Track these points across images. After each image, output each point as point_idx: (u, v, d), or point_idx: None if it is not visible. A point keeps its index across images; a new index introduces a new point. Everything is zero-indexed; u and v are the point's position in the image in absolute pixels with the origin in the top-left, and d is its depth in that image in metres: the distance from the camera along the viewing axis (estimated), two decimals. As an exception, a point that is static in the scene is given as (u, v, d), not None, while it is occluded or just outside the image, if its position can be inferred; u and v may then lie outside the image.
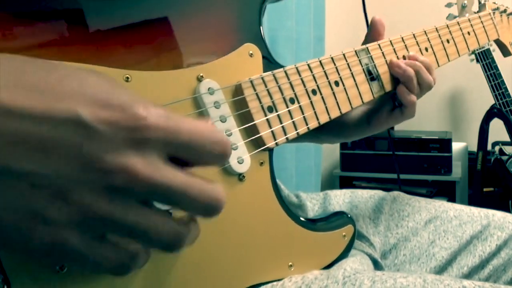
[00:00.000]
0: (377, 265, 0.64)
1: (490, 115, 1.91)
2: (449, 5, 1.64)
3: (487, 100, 1.97)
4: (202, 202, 0.32)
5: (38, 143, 0.28)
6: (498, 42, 0.87)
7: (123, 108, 0.29)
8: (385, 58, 0.62)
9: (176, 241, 0.32)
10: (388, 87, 0.62)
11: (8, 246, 0.31)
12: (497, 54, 1.90)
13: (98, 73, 0.32)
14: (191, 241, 0.34)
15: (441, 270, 0.65)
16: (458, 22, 0.73)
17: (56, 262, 0.35)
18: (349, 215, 0.57)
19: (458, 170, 2.16)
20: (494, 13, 0.84)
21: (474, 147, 2.02)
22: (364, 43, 0.65)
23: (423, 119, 2.51)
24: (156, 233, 0.31)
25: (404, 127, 2.28)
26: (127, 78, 0.42)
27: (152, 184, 0.30)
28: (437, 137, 2.15)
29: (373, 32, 0.66)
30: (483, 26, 0.79)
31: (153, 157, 0.30)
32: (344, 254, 0.56)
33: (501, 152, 2.09)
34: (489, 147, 2.08)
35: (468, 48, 0.74)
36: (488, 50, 1.91)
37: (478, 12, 0.84)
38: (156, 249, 0.33)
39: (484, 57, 1.93)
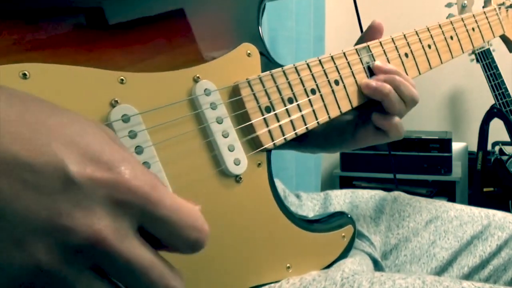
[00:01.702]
0: (377, 265, 0.64)
1: (490, 115, 1.91)
2: (449, 5, 1.64)
3: (487, 100, 1.97)
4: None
5: (13, 185, 0.26)
6: (504, 38, 0.86)
7: (110, 166, 0.28)
8: (386, 56, 0.61)
9: None
10: None
11: None
12: (497, 54, 1.91)
13: (99, 126, 0.31)
14: None
15: (441, 270, 0.65)
16: (462, 18, 0.72)
17: None
18: (349, 215, 0.57)
19: (458, 170, 2.16)
20: (499, 8, 0.83)
21: (474, 147, 2.02)
22: (357, 44, 0.62)
23: (423, 119, 2.51)
24: None
25: (404, 127, 2.27)
26: (122, 80, 0.42)
27: (115, 254, 0.28)
28: (437, 137, 2.15)
29: (368, 35, 0.63)
30: (488, 22, 0.78)
31: (125, 224, 0.28)
32: (343, 255, 0.55)
33: (501, 152, 2.09)
34: (489, 147, 2.07)
35: (473, 44, 0.73)
36: (488, 50, 1.91)
37: (483, 7, 0.83)
38: None
39: (484, 57, 1.93)
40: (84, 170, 0.27)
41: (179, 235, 0.30)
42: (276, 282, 0.50)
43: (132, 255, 0.28)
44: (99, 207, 0.28)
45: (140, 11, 0.44)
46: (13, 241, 0.27)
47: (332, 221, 0.55)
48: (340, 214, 0.57)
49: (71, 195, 0.27)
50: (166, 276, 0.30)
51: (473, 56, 1.98)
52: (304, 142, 0.69)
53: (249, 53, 0.50)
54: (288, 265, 0.50)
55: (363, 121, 0.62)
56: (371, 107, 0.60)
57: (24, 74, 0.37)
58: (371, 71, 0.60)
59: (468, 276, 0.65)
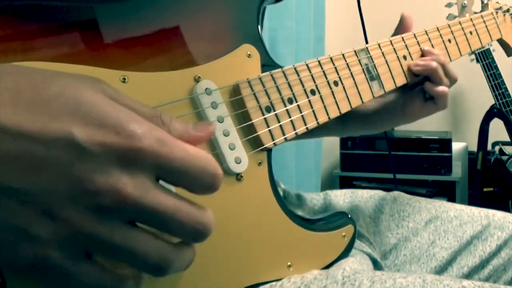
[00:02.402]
0: (377, 265, 0.64)
1: (490, 115, 1.91)
2: (449, 5, 1.64)
3: (487, 100, 1.97)
4: (190, 226, 0.31)
5: (29, 162, 0.28)
6: (501, 42, 0.87)
7: (118, 129, 0.29)
8: (385, 58, 0.62)
9: (163, 264, 0.32)
10: (388, 86, 0.62)
11: None
12: (497, 54, 1.91)
13: (95, 87, 0.31)
14: (183, 266, 0.33)
15: (441, 270, 0.65)
16: (460, 22, 0.73)
17: (41, 280, 0.34)
18: (349, 215, 0.57)
19: (458, 170, 2.16)
20: (497, 12, 0.83)
21: (474, 147, 2.02)
22: (393, 35, 0.68)
23: (423, 119, 2.50)
24: (143, 254, 0.31)
25: (404, 127, 2.26)
26: (124, 79, 0.42)
27: (141, 206, 0.30)
28: (437, 137, 2.15)
29: (401, 28, 0.69)
30: (486, 26, 0.78)
31: (143, 179, 0.30)
32: (344, 255, 0.55)
33: (501, 152, 2.09)
34: (489, 147, 2.07)
35: (470, 48, 0.74)
36: (488, 50, 1.91)
37: (480, 11, 0.84)
38: (144, 272, 0.32)
39: (484, 57, 1.93)
40: (93, 137, 0.29)
41: (194, 180, 0.32)
42: (277, 280, 0.50)
43: (157, 203, 0.30)
44: (115, 169, 0.29)
45: (143, 12, 0.45)
46: (43, 211, 0.28)
47: (332, 220, 0.56)
48: (341, 214, 0.57)
49: (87, 163, 0.28)
50: (194, 214, 0.31)
51: (473, 56, 1.98)
52: (348, 123, 0.73)
53: (249, 54, 0.51)
54: (289, 263, 0.51)
55: (410, 96, 0.68)
56: (415, 85, 0.67)
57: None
58: (370, 73, 0.60)
59: (468, 276, 0.65)
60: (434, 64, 0.64)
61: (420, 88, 0.68)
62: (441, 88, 0.66)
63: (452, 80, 0.67)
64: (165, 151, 0.30)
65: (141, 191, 0.29)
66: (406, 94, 0.69)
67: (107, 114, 0.30)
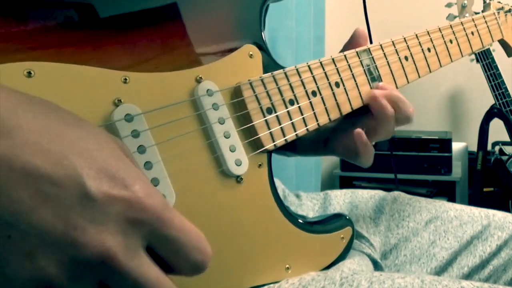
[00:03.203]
0: (377, 266, 0.64)
1: (490, 115, 1.91)
2: (449, 5, 1.64)
3: (487, 100, 1.97)
4: None
5: (30, 196, 0.27)
6: (502, 42, 0.86)
7: (126, 184, 0.29)
8: (387, 59, 0.62)
9: None
10: None
11: None
12: (497, 54, 1.91)
13: (115, 141, 0.32)
14: None
15: (441, 270, 0.65)
16: (461, 22, 0.72)
17: None
18: (347, 217, 0.57)
19: (458, 170, 2.16)
20: (498, 12, 0.83)
21: (474, 147, 2.02)
22: (341, 51, 0.61)
23: (423, 119, 2.51)
24: None
25: (404, 127, 2.27)
26: (125, 79, 0.42)
27: (124, 271, 0.28)
28: (437, 137, 2.15)
29: (352, 44, 0.61)
30: (487, 26, 0.78)
31: (134, 242, 0.29)
32: (342, 257, 0.55)
33: (501, 152, 2.09)
34: (489, 147, 2.07)
35: (472, 49, 0.74)
36: (488, 50, 1.91)
37: (482, 11, 0.84)
38: None
39: (484, 57, 1.93)
40: (101, 186, 0.28)
41: (185, 255, 0.31)
42: (275, 282, 0.50)
43: (140, 273, 0.29)
44: (112, 224, 0.28)
45: (144, 12, 0.45)
46: (25, 253, 0.27)
47: (331, 222, 0.56)
48: (339, 215, 0.57)
49: (87, 210, 0.28)
50: None
51: (473, 56, 1.98)
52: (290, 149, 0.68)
53: (251, 54, 0.51)
54: (287, 266, 0.51)
55: (336, 132, 0.61)
56: (347, 119, 0.59)
57: (29, 73, 0.37)
58: (371, 74, 0.60)
59: (468, 276, 0.65)
60: (392, 111, 0.56)
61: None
62: (367, 148, 0.57)
63: (405, 120, 0.59)
64: (166, 215, 0.30)
65: (129, 254, 0.28)
66: (334, 130, 0.61)
67: (119, 167, 0.29)
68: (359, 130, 0.57)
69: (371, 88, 0.59)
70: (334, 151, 0.62)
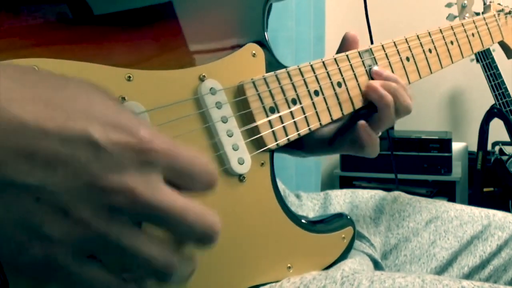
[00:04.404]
0: (377, 266, 0.64)
1: (490, 115, 1.91)
2: (449, 5, 1.64)
3: (487, 100, 1.97)
4: (199, 228, 0.32)
5: (47, 159, 0.28)
6: (502, 44, 0.87)
7: (132, 131, 0.31)
8: (388, 59, 0.62)
9: (167, 269, 0.32)
10: None
11: None
12: (497, 54, 1.91)
13: (103, 93, 0.33)
14: (185, 275, 0.34)
15: (441, 270, 0.65)
16: (462, 24, 0.73)
17: (44, 280, 0.34)
18: (348, 217, 0.57)
19: (458, 170, 2.17)
20: (499, 14, 0.83)
21: (474, 147, 2.02)
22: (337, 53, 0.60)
23: (423, 119, 2.51)
24: (148, 257, 0.31)
25: (404, 127, 2.28)
26: (129, 77, 0.42)
27: (152, 206, 0.30)
28: (437, 137, 2.15)
29: (344, 48, 0.61)
30: (488, 28, 0.79)
31: (154, 179, 0.31)
32: (343, 256, 0.55)
33: (501, 152, 2.09)
34: (489, 147, 2.07)
35: (472, 50, 0.74)
36: (488, 50, 1.91)
37: (483, 13, 0.84)
38: (147, 276, 0.33)
39: (484, 57, 1.93)
40: (108, 137, 0.30)
41: (196, 179, 0.33)
42: (277, 281, 0.50)
43: (166, 202, 0.31)
44: (129, 168, 0.30)
45: (149, 10, 0.45)
46: (58, 209, 0.29)
47: (332, 222, 0.56)
48: (340, 215, 0.57)
49: (103, 160, 0.29)
50: (202, 215, 0.32)
51: (473, 56, 1.98)
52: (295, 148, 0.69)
53: (254, 53, 0.51)
54: (289, 265, 0.51)
55: (341, 131, 0.62)
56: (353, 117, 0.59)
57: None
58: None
59: (468, 276, 0.65)
60: (391, 98, 0.57)
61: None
62: (373, 140, 0.59)
63: (404, 111, 0.60)
64: (173, 150, 0.32)
65: (152, 190, 0.30)
66: (338, 127, 0.62)
67: (119, 117, 0.31)
68: (363, 122, 0.59)
69: None
70: (340, 148, 0.63)
